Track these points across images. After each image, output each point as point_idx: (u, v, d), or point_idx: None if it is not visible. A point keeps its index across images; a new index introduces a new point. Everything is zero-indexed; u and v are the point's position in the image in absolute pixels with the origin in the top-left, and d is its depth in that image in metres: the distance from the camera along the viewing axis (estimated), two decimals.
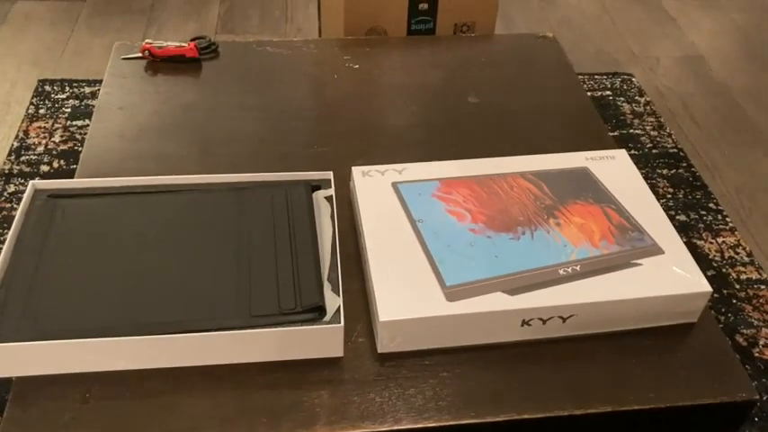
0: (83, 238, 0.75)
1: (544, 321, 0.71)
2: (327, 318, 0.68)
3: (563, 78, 1.13)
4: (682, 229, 1.42)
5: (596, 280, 0.73)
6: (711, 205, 1.48)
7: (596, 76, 1.86)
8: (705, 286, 0.73)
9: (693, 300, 0.73)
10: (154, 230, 0.76)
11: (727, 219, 1.45)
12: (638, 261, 0.75)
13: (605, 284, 0.72)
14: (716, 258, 1.36)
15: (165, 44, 1.09)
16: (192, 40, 1.11)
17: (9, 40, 1.90)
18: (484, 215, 0.79)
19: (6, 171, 1.46)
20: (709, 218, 1.45)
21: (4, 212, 1.38)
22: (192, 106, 1.01)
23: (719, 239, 1.40)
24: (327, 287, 0.71)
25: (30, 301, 0.68)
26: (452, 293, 0.70)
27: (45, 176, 1.45)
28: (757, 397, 0.70)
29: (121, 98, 1.02)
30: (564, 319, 0.71)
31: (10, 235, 0.74)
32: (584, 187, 0.84)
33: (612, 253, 0.76)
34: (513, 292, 0.70)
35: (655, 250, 0.76)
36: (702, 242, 1.39)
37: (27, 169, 1.46)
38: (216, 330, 0.66)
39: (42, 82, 1.72)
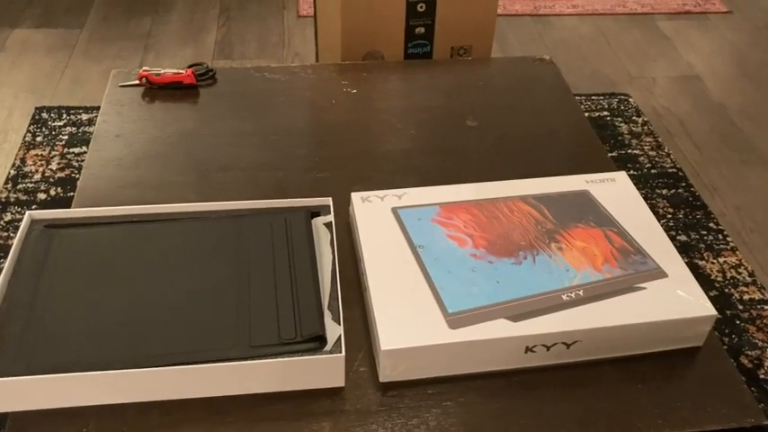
0: (80, 269, 0.74)
1: (548, 348, 0.70)
2: (328, 347, 0.67)
3: (561, 101, 1.13)
4: (683, 249, 1.41)
5: (600, 305, 0.72)
6: (712, 225, 1.47)
7: (593, 97, 1.86)
8: (710, 310, 0.72)
9: (699, 323, 0.72)
10: (152, 260, 0.75)
11: (728, 238, 1.44)
12: (642, 285, 0.74)
13: (609, 309, 0.71)
14: (718, 279, 1.35)
15: (162, 71, 1.09)
16: (190, 66, 1.11)
17: (6, 68, 1.90)
18: (485, 240, 0.78)
19: (3, 199, 1.45)
20: (710, 238, 1.44)
21: (1, 241, 1.37)
22: (190, 133, 1.01)
23: (721, 259, 1.39)
24: (328, 316, 0.70)
25: (26, 334, 0.67)
26: (455, 321, 0.69)
27: (42, 204, 1.44)
28: (767, 422, 0.69)
29: (119, 126, 1.02)
30: (568, 345, 0.70)
31: (6, 266, 0.74)
32: (586, 210, 0.83)
33: (615, 277, 0.75)
34: (515, 318, 0.70)
35: (658, 274, 0.76)
36: (704, 262, 1.38)
37: (24, 197, 1.46)
38: (216, 362, 0.65)
39: (39, 109, 1.72)
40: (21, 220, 1.41)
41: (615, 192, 0.86)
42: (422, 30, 1.30)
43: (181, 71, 1.09)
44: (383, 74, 1.17)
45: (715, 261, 1.38)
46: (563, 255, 0.77)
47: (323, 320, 0.69)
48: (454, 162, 0.98)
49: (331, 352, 0.67)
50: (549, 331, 0.69)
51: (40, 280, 0.73)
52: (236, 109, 1.06)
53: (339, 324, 0.70)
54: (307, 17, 2.17)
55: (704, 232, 1.45)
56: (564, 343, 0.70)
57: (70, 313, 0.69)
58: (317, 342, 0.68)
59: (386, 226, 0.80)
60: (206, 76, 1.11)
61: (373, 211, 0.82)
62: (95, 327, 0.68)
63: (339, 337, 0.68)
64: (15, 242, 0.76)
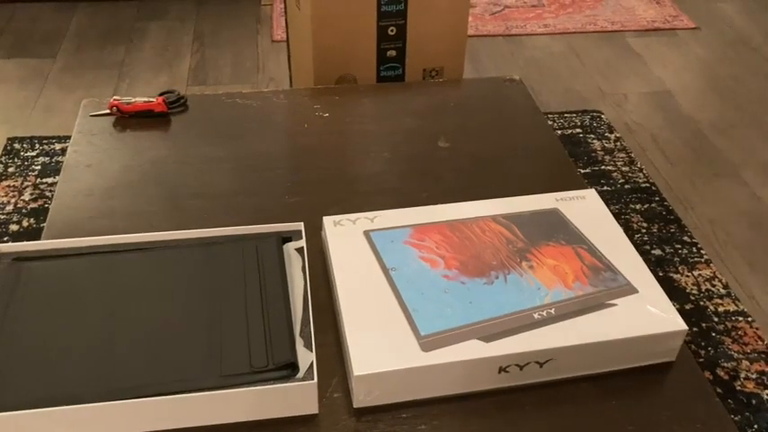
0: (49, 302, 0.73)
1: (521, 367, 0.70)
2: (300, 374, 0.67)
3: (531, 120, 1.14)
4: (657, 263, 1.42)
5: (572, 323, 0.72)
6: (686, 238, 1.49)
7: (566, 115, 1.88)
8: (680, 324, 0.73)
9: (670, 338, 0.73)
10: (122, 291, 0.75)
11: (702, 251, 1.46)
12: (613, 301, 0.75)
13: (581, 327, 0.72)
14: (693, 292, 1.36)
15: (133, 100, 1.09)
16: (161, 94, 1.11)
17: None
18: (457, 261, 0.78)
19: None
20: (685, 251, 1.45)
21: None
22: (162, 161, 1.01)
23: (696, 272, 1.40)
24: (300, 342, 0.70)
25: None
26: (427, 343, 0.69)
27: (14, 236, 1.43)
28: None
29: (89, 156, 1.02)
30: (541, 364, 0.71)
31: None
32: (556, 229, 0.84)
33: (586, 294, 0.75)
34: (488, 338, 0.70)
35: (628, 290, 0.76)
36: (679, 276, 1.39)
37: None
38: (187, 392, 0.64)
39: (12, 140, 1.71)
40: None
41: (585, 209, 0.87)
42: (393, 53, 1.31)
43: (152, 99, 1.09)
44: (355, 97, 1.18)
45: (690, 274, 1.40)
46: (534, 273, 0.77)
47: (294, 347, 0.69)
48: (427, 183, 0.99)
49: (303, 379, 0.67)
50: (521, 350, 0.69)
51: (8, 314, 0.72)
52: (208, 136, 1.06)
53: (311, 351, 0.69)
54: (281, 42, 2.19)
55: (678, 246, 1.47)
56: (537, 362, 0.70)
57: (38, 348, 0.68)
58: (288, 369, 0.67)
59: (358, 249, 0.80)
60: (177, 104, 1.11)
61: (345, 235, 0.82)
62: (64, 361, 0.67)
63: (311, 364, 0.68)
64: None
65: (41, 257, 0.79)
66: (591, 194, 0.90)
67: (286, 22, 1.47)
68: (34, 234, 1.43)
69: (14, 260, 0.78)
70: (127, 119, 1.09)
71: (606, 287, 0.76)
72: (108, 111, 1.09)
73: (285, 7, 1.44)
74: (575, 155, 1.71)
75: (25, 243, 0.80)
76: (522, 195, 0.90)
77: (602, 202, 0.89)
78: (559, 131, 1.80)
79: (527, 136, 1.10)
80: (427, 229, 0.83)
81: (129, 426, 0.65)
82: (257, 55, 2.13)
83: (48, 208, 1.49)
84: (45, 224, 0.90)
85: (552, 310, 0.73)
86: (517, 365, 0.70)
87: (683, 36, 2.33)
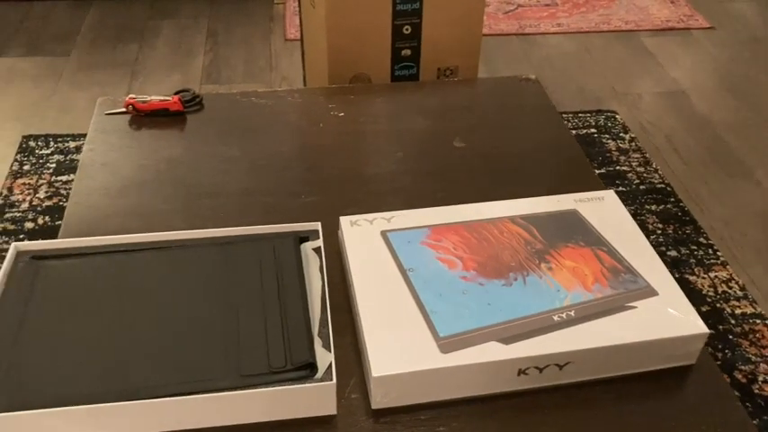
0: (67, 301, 0.73)
1: (541, 370, 0.70)
2: (319, 375, 0.67)
3: (547, 120, 1.13)
4: (673, 264, 1.41)
5: (591, 325, 0.71)
6: (702, 240, 1.48)
7: (580, 114, 1.87)
8: (702, 327, 0.72)
9: (691, 342, 0.72)
10: (139, 289, 0.74)
11: (718, 253, 1.45)
12: (633, 304, 0.74)
13: (601, 330, 0.71)
14: (709, 293, 1.35)
15: (148, 98, 1.09)
16: (176, 93, 1.11)
17: None
18: (475, 262, 0.78)
19: None
20: (700, 252, 1.44)
21: None
22: (177, 160, 1.01)
23: (712, 274, 1.39)
24: (318, 343, 0.70)
25: (12, 369, 0.66)
26: (446, 345, 0.68)
27: (30, 234, 1.43)
28: None
29: (105, 154, 1.02)
30: (561, 367, 0.70)
31: None
32: (575, 230, 0.83)
33: (606, 296, 0.75)
34: (507, 340, 0.69)
35: (649, 292, 0.75)
36: (695, 277, 1.38)
37: (11, 227, 1.45)
38: (205, 392, 0.64)
39: (27, 138, 1.72)
40: (7, 250, 1.40)
41: (604, 210, 0.86)
42: (408, 52, 1.31)
43: (167, 98, 1.09)
44: (370, 96, 1.18)
45: (706, 276, 1.39)
46: (553, 275, 0.77)
47: (313, 348, 0.69)
48: (442, 183, 0.98)
49: (322, 380, 0.66)
50: (541, 353, 0.68)
51: (26, 312, 0.72)
52: (224, 135, 1.06)
53: (330, 351, 0.69)
54: (294, 41, 2.18)
55: (694, 247, 1.46)
56: (557, 364, 0.69)
57: (56, 347, 0.68)
58: (307, 370, 0.67)
59: (375, 250, 0.79)
60: (193, 103, 1.11)
61: (362, 235, 0.82)
62: (82, 360, 0.67)
63: (330, 365, 0.67)
64: (1, 274, 0.75)
65: (59, 256, 0.79)
66: (609, 195, 0.89)
67: (300, 21, 1.47)
68: (49, 232, 1.44)
69: (32, 258, 0.78)
70: (142, 117, 1.09)
71: (626, 289, 0.76)
72: (123, 109, 1.09)
73: (299, 6, 1.43)
74: (589, 155, 1.70)
75: (43, 242, 0.80)
76: (540, 196, 0.89)
77: (621, 204, 0.88)
78: (574, 131, 1.79)
79: (543, 136, 1.09)
80: (444, 230, 0.83)
81: (147, 425, 0.64)
82: (270, 54, 2.13)
83: (62, 206, 1.50)
84: (61, 222, 0.90)
85: (572, 313, 0.72)
86: (536, 368, 0.69)
87: (698, 36, 2.31)
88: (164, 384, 0.65)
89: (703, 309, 1.31)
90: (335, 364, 0.69)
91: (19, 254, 0.79)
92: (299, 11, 1.45)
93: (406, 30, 1.28)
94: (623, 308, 0.73)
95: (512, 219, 0.84)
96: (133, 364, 0.67)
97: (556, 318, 0.72)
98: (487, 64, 2.11)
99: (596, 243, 0.81)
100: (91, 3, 2.36)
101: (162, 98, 1.09)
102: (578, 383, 0.71)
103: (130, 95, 1.09)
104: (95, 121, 1.09)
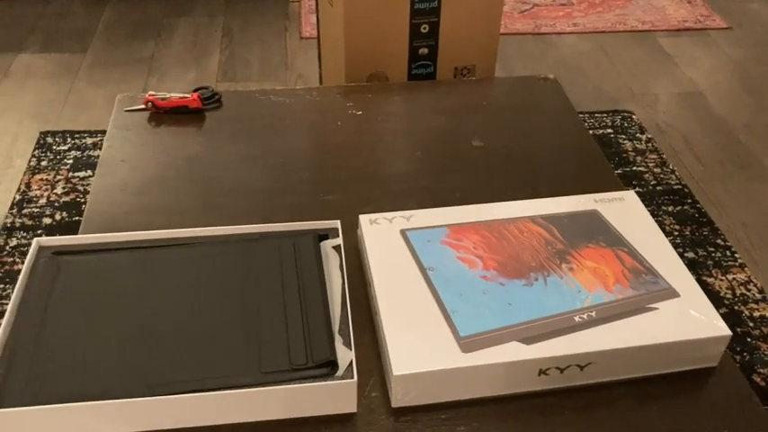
0: (88, 297, 0.73)
1: (561, 370, 0.69)
2: (340, 373, 0.67)
3: (566, 120, 1.13)
4: (690, 266, 1.40)
5: (613, 326, 0.71)
6: (719, 241, 1.47)
7: (596, 115, 1.86)
8: (724, 330, 0.71)
9: (712, 344, 0.72)
10: (160, 286, 0.75)
11: (735, 255, 1.44)
12: (654, 305, 0.74)
13: (622, 330, 0.70)
14: (727, 296, 1.34)
15: (167, 95, 1.09)
16: (195, 90, 1.11)
17: (11, 93, 1.91)
18: (495, 261, 0.78)
19: (9, 225, 1.45)
20: (718, 254, 1.43)
21: (7, 267, 1.36)
22: (196, 157, 1.01)
23: (730, 276, 1.38)
24: (339, 340, 0.70)
25: (34, 363, 0.67)
26: (467, 344, 0.68)
27: (47, 229, 1.44)
28: None
29: (124, 151, 1.02)
30: (581, 368, 0.70)
31: (14, 294, 0.73)
32: (596, 230, 0.83)
33: (627, 297, 0.74)
34: (528, 340, 0.69)
35: (670, 293, 0.75)
36: (713, 279, 1.37)
37: (29, 222, 1.46)
38: (226, 389, 0.64)
39: (44, 134, 1.73)
40: (26, 245, 1.41)
41: (624, 211, 0.86)
42: (425, 50, 1.31)
43: (186, 95, 1.09)
44: (388, 95, 1.18)
45: (723, 278, 1.38)
46: (574, 275, 0.76)
47: (334, 345, 0.69)
48: (461, 182, 0.98)
49: (343, 377, 0.66)
50: (562, 353, 0.68)
51: (48, 308, 0.72)
52: (242, 132, 1.06)
53: (350, 349, 0.69)
54: (309, 39, 2.19)
55: (712, 249, 1.45)
56: (578, 365, 0.69)
57: (78, 342, 0.69)
58: (328, 368, 0.67)
59: (395, 248, 0.79)
60: (212, 100, 1.11)
61: (382, 234, 0.81)
62: (103, 355, 0.67)
63: (351, 363, 0.67)
64: (24, 269, 0.76)
65: (80, 251, 0.79)
66: (630, 196, 0.88)
67: (317, 19, 1.47)
68: (67, 227, 1.44)
69: (54, 254, 0.79)
70: (161, 114, 1.09)
71: (647, 290, 0.75)
72: (143, 106, 1.09)
73: (316, 4, 1.43)
74: (606, 155, 1.69)
75: (64, 237, 0.81)
76: (558, 196, 0.89)
77: (642, 204, 0.87)
78: (590, 131, 1.78)
79: (562, 136, 1.09)
80: (464, 229, 0.82)
81: (167, 421, 0.65)
82: (285, 51, 2.13)
83: (79, 202, 1.51)
84: (78, 218, 0.91)
85: (593, 313, 0.72)
86: (557, 368, 0.69)
87: (715, 36, 2.29)
88: (184, 380, 0.65)
89: (721, 311, 1.30)
90: (356, 362, 0.69)
91: (41, 249, 0.79)
92: (317, 9, 1.45)
93: (424, 28, 1.28)
94: (645, 309, 0.73)
95: (532, 218, 0.84)
96: (154, 360, 0.67)
97: (577, 318, 0.71)
98: (503, 63, 2.10)
99: (617, 244, 0.81)
100: (107, 0, 2.37)
101: (181, 95, 1.09)
102: (599, 384, 0.71)
103: (150, 92, 1.10)
104: (115, 118, 1.09)
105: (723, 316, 1.29)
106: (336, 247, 0.81)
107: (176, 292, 0.74)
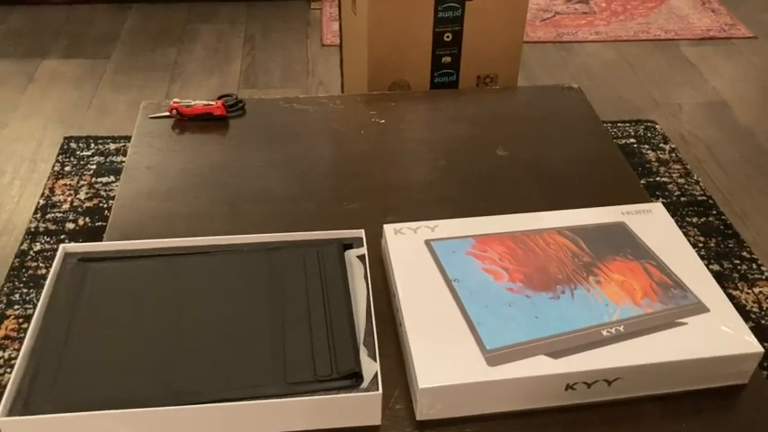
0: (114, 304, 0.74)
1: (589, 385, 0.68)
2: (364, 384, 0.66)
3: (590, 130, 1.12)
4: (716, 278, 1.38)
5: (641, 341, 0.70)
6: (745, 254, 1.45)
7: (619, 124, 1.85)
8: (756, 346, 0.70)
9: (744, 360, 0.70)
10: (185, 294, 0.75)
11: (762, 267, 1.41)
12: (683, 320, 0.72)
13: (651, 345, 0.69)
14: (754, 309, 1.32)
15: (192, 103, 1.10)
16: (219, 97, 1.12)
17: (36, 99, 1.93)
18: (521, 273, 0.77)
19: (32, 229, 1.47)
20: (744, 267, 1.41)
21: (31, 271, 1.37)
22: (220, 165, 1.01)
23: (756, 289, 1.36)
24: (363, 352, 0.69)
25: (60, 370, 0.67)
26: (493, 357, 0.67)
27: (71, 234, 1.45)
28: None
29: (149, 157, 1.03)
30: (609, 383, 0.69)
31: (41, 301, 0.73)
32: (623, 243, 0.81)
33: (656, 312, 0.73)
34: (555, 354, 0.68)
35: (700, 308, 0.74)
36: (738, 293, 1.35)
37: (53, 227, 1.47)
38: (251, 399, 0.64)
39: (68, 139, 1.74)
40: (50, 249, 1.42)
41: (652, 223, 0.85)
42: (448, 59, 1.30)
43: (211, 102, 1.10)
44: (410, 104, 1.17)
45: (750, 291, 1.35)
46: (601, 289, 0.75)
47: (359, 357, 0.68)
48: (485, 192, 0.97)
49: (368, 389, 0.66)
50: (590, 368, 0.67)
51: (74, 314, 0.72)
52: (266, 140, 1.06)
53: (375, 360, 0.68)
54: (330, 46, 2.19)
55: (737, 261, 1.43)
56: (605, 380, 0.68)
57: (103, 350, 0.69)
58: (353, 379, 0.66)
59: (420, 259, 0.79)
60: (235, 108, 1.11)
61: (406, 244, 0.81)
62: (129, 363, 0.68)
63: (376, 374, 0.67)
64: (50, 276, 0.76)
65: (105, 258, 0.79)
66: (657, 208, 0.87)
67: (340, 27, 1.47)
68: (89, 232, 1.45)
69: (80, 261, 0.79)
70: (185, 121, 1.10)
71: (676, 305, 0.74)
72: (167, 113, 1.10)
73: (339, 12, 1.44)
74: (629, 165, 1.67)
75: (90, 244, 0.81)
76: (583, 207, 0.88)
77: (669, 216, 0.86)
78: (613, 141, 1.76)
79: (587, 146, 1.08)
80: (490, 240, 0.82)
81: (191, 430, 0.65)
82: (307, 58, 2.14)
83: (102, 207, 1.52)
84: (101, 223, 0.91)
85: (621, 328, 0.71)
86: (585, 383, 0.68)
87: (740, 45, 2.27)
88: (209, 390, 0.65)
89: (748, 325, 1.28)
90: (380, 374, 0.69)
91: (67, 255, 0.80)
92: (339, 17, 1.45)
93: (447, 37, 1.28)
94: (674, 324, 0.72)
95: (558, 230, 0.83)
96: (179, 369, 0.67)
97: (605, 332, 0.70)
98: (525, 71, 2.09)
99: (645, 256, 0.80)
100: (131, 7, 2.39)
101: (205, 103, 1.10)
102: (627, 400, 0.70)
103: (174, 100, 1.10)
104: (140, 125, 1.10)
105: (751, 329, 1.27)
106: (361, 257, 0.81)
107: (202, 300, 0.74)
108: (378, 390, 0.65)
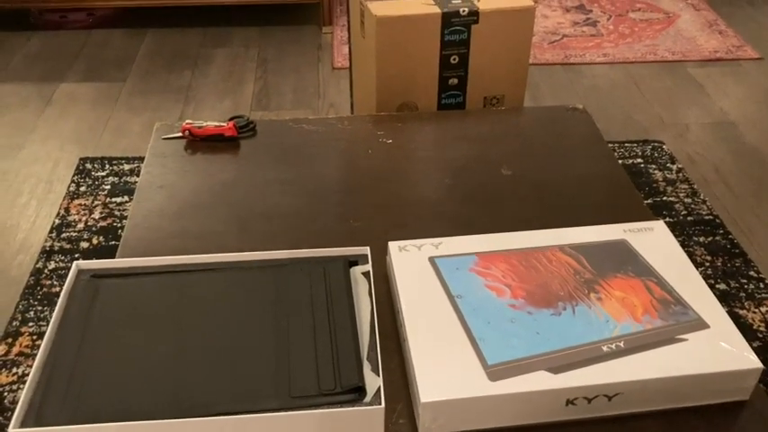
0: (125, 319, 0.76)
1: (589, 400, 0.69)
2: (368, 399, 0.68)
3: (595, 149, 1.13)
4: (722, 297, 1.38)
5: (641, 356, 0.71)
6: (752, 273, 1.45)
7: (626, 144, 1.86)
8: (755, 363, 0.71)
9: (743, 377, 0.71)
10: (193, 309, 0.77)
11: None
12: (683, 336, 0.73)
13: (651, 361, 0.70)
14: (760, 329, 1.32)
15: (204, 124, 1.13)
16: (231, 119, 1.15)
17: (54, 120, 1.97)
18: (523, 290, 0.78)
19: (48, 248, 1.50)
20: (751, 286, 1.41)
21: (45, 289, 1.40)
22: (231, 184, 1.04)
23: (763, 308, 1.36)
24: (367, 366, 0.71)
25: (72, 383, 0.69)
26: (495, 372, 0.68)
27: (84, 253, 1.48)
28: None
29: (162, 177, 1.05)
30: (609, 398, 0.70)
31: (54, 315, 0.76)
32: (624, 260, 0.83)
33: (656, 328, 0.74)
34: (556, 370, 0.69)
35: (699, 325, 0.75)
36: (745, 311, 1.35)
37: (68, 246, 1.50)
38: (256, 412, 0.66)
39: (83, 160, 1.78)
40: (64, 268, 1.45)
41: (653, 241, 0.86)
42: (455, 81, 1.32)
43: (222, 124, 1.13)
44: (418, 124, 1.20)
45: (756, 310, 1.36)
46: (602, 305, 0.77)
47: (362, 371, 0.70)
48: (490, 210, 0.99)
49: (371, 403, 0.67)
50: (590, 383, 0.68)
51: (86, 329, 0.75)
52: (276, 160, 1.09)
53: (378, 375, 0.70)
54: (341, 69, 2.23)
55: (744, 280, 1.43)
56: (606, 395, 0.69)
57: (114, 363, 0.71)
58: (356, 393, 0.68)
59: (423, 275, 0.80)
60: (246, 129, 1.14)
61: (410, 261, 0.83)
62: (138, 376, 0.69)
63: (379, 389, 0.68)
64: (63, 291, 0.79)
65: (117, 275, 0.82)
66: (659, 226, 0.89)
67: (349, 50, 1.50)
68: (103, 251, 1.48)
69: (92, 277, 0.81)
70: (198, 142, 1.13)
71: (676, 321, 0.75)
72: (180, 134, 1.13)
73: (349, 35, 1.47)
74: (636, 185, 1.68)
75: (103, 261, 0.83)
76: (587, 225, 0.89)
77: (671, 234, 0.87)
78: (620, 161, 1.77)
79: (591, 165, 1.09)
80: (493, 258, 0.83)
81: None
82: (318, 81, 2.17)
83: (116, 227, 1.55)
84: (115, 243, 0.93)
85: (621, 344, 0.72)
86: (585, 398, 0.69)
87: (747, 66, 2.28)
88: (215, 403, 0.67)
89: (754, 344, 1.28)
90: (384, 388, 0.70)
91: (80, 272, 0.82)
92: (349, 40, 1.48)
93: (454, 59, 1.30)
94: (674, 340, 0.73)
95: (560, 248, 0.85)
96: (187, 382, 0.69)
97: (605, 348, 0.71)
98: (532, 93, 2.11)
99: (646, 274, 0.81)
100: (146, 31, 2.44)
101: (217, 124, 1.13)
102: (627, 415, 0.71)
103: (187, 121, 1.13)
104: (153, 146, 1.12)
105: (756, 349, 1.27)
106: (366, 274, 0.83)
107: (210, 315, 0.76)
108: (381, 404, 0.67)
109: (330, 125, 1.18)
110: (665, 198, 1.66)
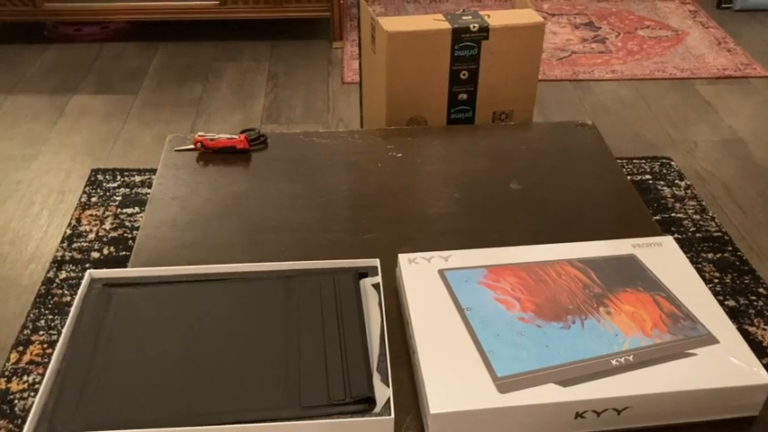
0: (136, 328, 0.76)
1: (598, 414, 0.69)
2: (377, 409, 0.68)
3: (604, 165, 1.14)
4: (732, 314, 1.38)
5: (650, 371, 0.71)
6: (761, 290, 1.44)
7: (635, 161, 1.87)
8: (765, 378, 0.71)
9: (753, 392, 0.71)
10: (205, 319, 0.77)
11: None
12: (693, 351, 0.74)
13: (660, 375, 0.70)
14: None
15: (216, 136, 1.14)
16: (243, 132, 1.16)
17: (66, 132, 2.00)
18: (533, 303, 0.79)
19: (59, 258, 1.51)
20: (760, 303, 1.41)
21: (56, 298, 1.41)
22: (242, 196, 1.05)
23: None
24: (377, 377, 0.71)
25: (84, 391, 0.69)
26: (504, 385, 0.69)
27: (95, 263, 1.49)
28: None
29: (174, 189, 1.06)
30: (619, 412, 0.70)
31: (67, 324, 0.76)
32: (633, 275, 0.83)
33: (665, 342, 0.74)
34: (565, 383, 0.69)
35: (709, 340, 0.75)
36: (755, 329, 1.35)
37: (79, 256, 1.51)
38: (266, 421, 0.66)
39: (95, 171, 1.80)
40: (75, 278, 1.46)
41: (662, 256, 0.86)
42: (464, 96, 1.34)
43: (234, 136, 1.14)
44: (427, 138, 1.21)
45: (766, 327, 1.35)
46: (612, 319, 0.77)
47: (372, 382, 0.70)
48: (499, 224, 1.00)
49: (380, 414, 0.67)
50: (599, 397, 0.68)
51: (98, 337, 0.75)
52: (287, 172, 1.10)
53: (388, 386, 0.70)
54: (351, 84, 2.24)
55: (753, 297, 1.43)
56: (615, 409, 0.69)
57: (126, 371, 0.71)
58: (366, 404, 0.68)
59: (433, 288, 0.81)
60: (258, 141, 1.15)
61: (420, 273, 0.83)
62: (150, 385, 0.70)
63: (388, 400, 0.69)
64: (76, 300, 0.79)
65: (129, 284, 0.83)
66: (668, 241, 0.89)
67: (360, 65, 1.52)
68: (114, 262, 1.49)
69: (105, 286, 0.82)
70: (209, 154, 1.14)
71: (685, 336, 0.75)
72: (192, 146, 1.14)
73: (360, 50, 1.48)
74: (644, 201, 1.68)
75: (115, 270, 0.84)
76: (596, 240, 0.89)
77: (680, 250, 0.88)
78: (629, 177, 1.78)
79: (600, 181, 1.10)
80: (502, 271, 0.84)
81: None
82: (328, 96, 2.19)
83: (126, 237, 1.56)
84: (125, 253, 0.94)
85: (630, 357, 0.72)
86: (594, 412, 0.69)
87: (756, 84, 2.29)
88: (226, 411, 0.67)
89: (764, 361, 1.28)
90: (393, 399, 0.71)
91: (93, 281, 0.83)
92: (360, 55, 1.49)
93: (464, 75, 1.31)
94: (683, 354, 0.73)
95: (569, 261, 0.85)
96: (198, 391, 0.69)
97: (614, 362, 0.72)
98: (541, 108, 2.12)
99: (655, 288, 0.81)
100: (158, 45, 2.47)
101: (229, 136, 1.14)
102: (636, 429, 0.71)
103: (199, 133, 1.14)
104: (165, 157, 1.14)
105: (765, 366, 1.26)
106: (375, 285, 0.83)
107: (220, 325, 0.77)
108: (390, 414, 0.67)
109: (340, 138, 1.19)
110: (673, 214, 1.66)
